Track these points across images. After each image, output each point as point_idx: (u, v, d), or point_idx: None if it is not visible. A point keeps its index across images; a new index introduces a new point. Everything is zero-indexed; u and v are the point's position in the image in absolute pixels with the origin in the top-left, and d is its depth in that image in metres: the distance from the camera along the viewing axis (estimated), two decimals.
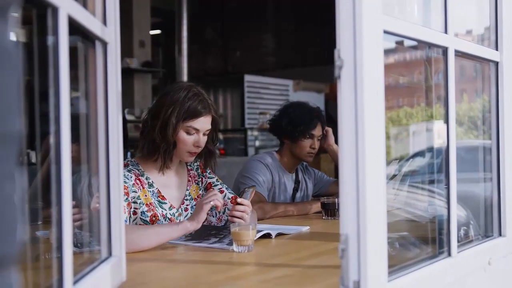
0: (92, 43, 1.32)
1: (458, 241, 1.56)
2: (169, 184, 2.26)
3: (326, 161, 6.79)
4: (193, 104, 2.15)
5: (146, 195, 2.16)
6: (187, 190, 2.32)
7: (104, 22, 1.35)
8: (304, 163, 3.17)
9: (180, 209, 2.26)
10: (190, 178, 2.35)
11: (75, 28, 1.11)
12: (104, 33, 1.33)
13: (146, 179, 2.20)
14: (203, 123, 2.18)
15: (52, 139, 1.01)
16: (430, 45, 1.56)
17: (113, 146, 1.37)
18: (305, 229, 2.33)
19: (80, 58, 1.33)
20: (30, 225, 1.20)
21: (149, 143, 2.18)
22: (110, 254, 1.37)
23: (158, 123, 2.14)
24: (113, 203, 1.38)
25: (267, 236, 2.09)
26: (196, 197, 2.33)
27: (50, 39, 1.02)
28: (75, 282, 1.09)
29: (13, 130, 0.55)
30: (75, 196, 1.08)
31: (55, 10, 1.00)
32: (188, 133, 2.17)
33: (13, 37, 0.58)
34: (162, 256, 1.82)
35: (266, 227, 2.19)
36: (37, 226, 1.45)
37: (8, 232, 0.54)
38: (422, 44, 1.60)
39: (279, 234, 2.16)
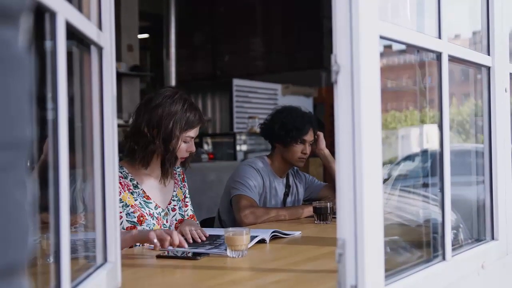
0: (87, 47, 1.32)
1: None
2: (155, 186, 2.32)
3: (315, 165, 6.81)
4: (191, 115, 2.25)
5: (129, 197, 2.20)
6: (174, 191, 2.39)
7: (100, 26, 1.34)
8: (295, 167, 3.17)
9: (166, 209, 2.32)
10: (176, 181, 2.43)
11: (70, 32, 1.11)
12: (100, 38, 1.32)
13: (131, 180, 2.25)
14: (197, 130, 2.31)
15: (49, 144, 1.00)
16: (425, 50, 1.57)
17: (108, 151, 1.37)
18: (297, 233, 2.33)
19: (75, 63, 1.32)
20: None
21: (149, 154, 2.23)
22: (105, 260, 1.36)
23: (159, 136, 2.19)
24: (108, 209, 1.37)
25: (261, 241, 2.08)
26: (181, 199, 2.41)
27: (47, 44, 1.01)
28: None
29: (24, 137, 0.55)
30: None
31: (53, 15, 0.99)
32: (185, 142, 2.26)
33: (24, 43, 0.57)
34: (157, 262, 1.81)
35: (259, 232, 2.19)
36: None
37: (21, 239, 0.54)
38: (411, 48, 1.61)
39: (274, 237, 2.16)
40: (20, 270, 0.54)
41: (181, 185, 2.45)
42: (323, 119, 7.69)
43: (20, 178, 0.54)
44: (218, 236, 2.15)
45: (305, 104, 7.66)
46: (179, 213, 2.37)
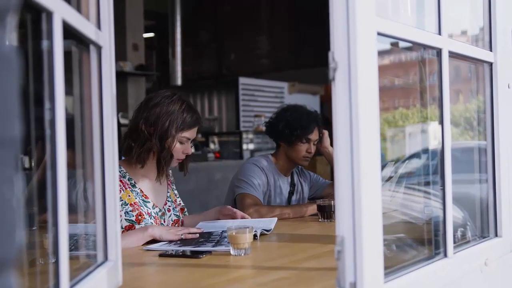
0: (86, 47, 1.32)
1: (455, 242, 1.56)
2: (151, 186, 2.35)
3: (322, 163, 6.80)
4: (188, 116, 2.28)
5: (129, 196, 2.24)
6: (168, 192, 2.44)
7: (99, 26, 1.34)
8: (300, 166, 3.17)
9: (163, 209, 2.36)
10: (169, 183, 2.48)
11: (69, 32, 1.11)
12: (99, 37, 1.32)
13: (129, 180, 2.28)
14: (194, 132, 2.33)
15: (47, 144, 1.01)
16: (424, 47, 1.57)
17: (108, 151, 1.37)
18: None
19: (74, 62, 1.33)
20: (26, 230, 1.19)
21: (146, 152, 2.26)
22: (106, 258, 1.37)
23: (156, 134, 2.23)
24: (108, 208, 1.37)
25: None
26: (173, 200, 2.45)
27: (44, 44, 1.01)
28: (72, 287, 1.09)
29: (12, 134, 0.55)
30: (70, 201, 1.08)
31: (49, 14, 0.99)
32: (181, 142, 2.29)
33: (11, 41, 0.58)
34: (158, 261, 1.81)
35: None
36: (33, 231, 1.44)
37: (8, 236, 0.54)
38: (416, 46, 1.60)
39: (262, 234, 2.19)
40: (8, 266, 0.55)
41: (173, 187, 2.50)
42: (330, 117, 7.67)
43: (8, 175, 0.55)
44: (210, 235, 2.16)
45: (312, 102, 7.66)
46: (174, 214, 2.42)
